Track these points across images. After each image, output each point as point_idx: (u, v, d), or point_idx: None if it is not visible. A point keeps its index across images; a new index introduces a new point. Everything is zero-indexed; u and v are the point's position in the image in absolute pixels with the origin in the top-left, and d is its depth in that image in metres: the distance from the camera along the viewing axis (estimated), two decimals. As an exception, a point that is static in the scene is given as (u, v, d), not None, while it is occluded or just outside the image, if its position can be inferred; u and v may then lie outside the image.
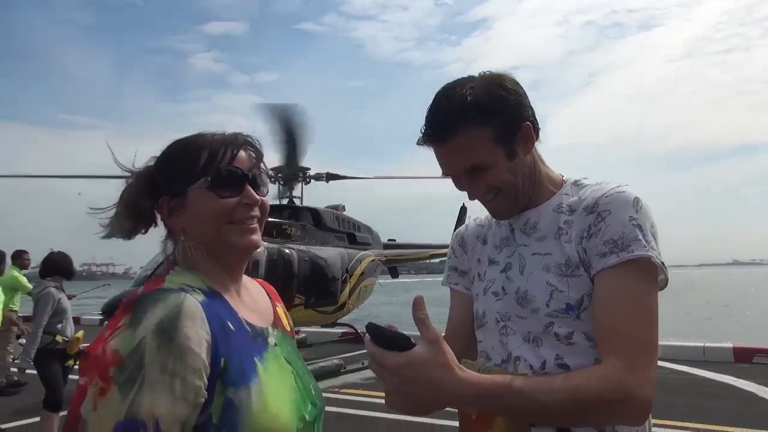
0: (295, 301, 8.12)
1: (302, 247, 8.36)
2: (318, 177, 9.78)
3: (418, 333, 0.88)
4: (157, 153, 0.98)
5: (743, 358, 8.24)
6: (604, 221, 1.02)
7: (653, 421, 1.07)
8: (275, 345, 0.97)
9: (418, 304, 0.87)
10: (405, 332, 0.88)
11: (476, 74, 1.11)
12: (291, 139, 8.09)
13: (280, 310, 1.09)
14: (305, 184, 9.71)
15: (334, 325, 9.54)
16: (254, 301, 1.02)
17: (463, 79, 1.10)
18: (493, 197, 1.11)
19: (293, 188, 9.61)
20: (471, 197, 1.12)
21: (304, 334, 10.02)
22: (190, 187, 0.93)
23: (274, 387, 0.90)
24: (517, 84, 1.11)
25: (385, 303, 26.37)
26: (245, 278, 1.03)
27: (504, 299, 1.13)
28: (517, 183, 1.10)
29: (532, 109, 1.12)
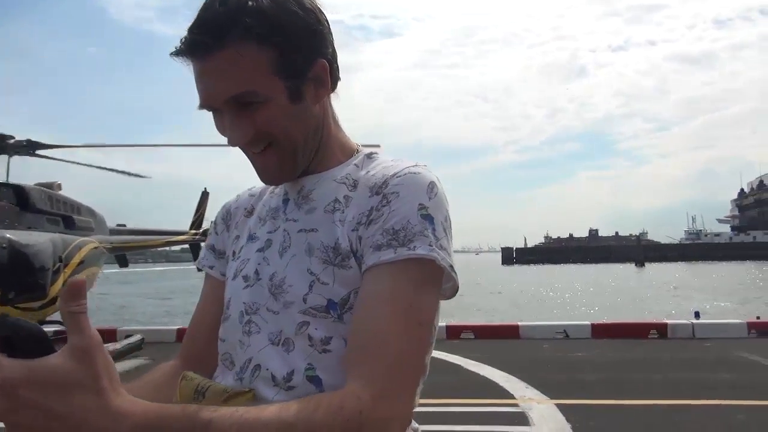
0: (-12, 297, 6.70)
1: (-1, 232, 6.94)
2: (17, 146, 8.12)
3: None
4: None
5: (453, 335, 9.48)
6: (390, 205, 0.83)
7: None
8: None
9: (72, 291, 0.55)
10: None
11: None
12: None
13: None
14: (7, 155, 8.07)
15: (44, 323, 8.17)
16: None
17: None
18: (263, 150, 0.86)
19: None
20: (232, 142, 0.84)
21: None
22: None
23: None
24: (320, 11, 0.87)
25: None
26: None
27: (255, 286, 0.90)
28: (297, 136, 0.86)
29: (334, 50, 0.89)
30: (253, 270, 0.91)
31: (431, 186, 0.85)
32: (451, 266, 0.83)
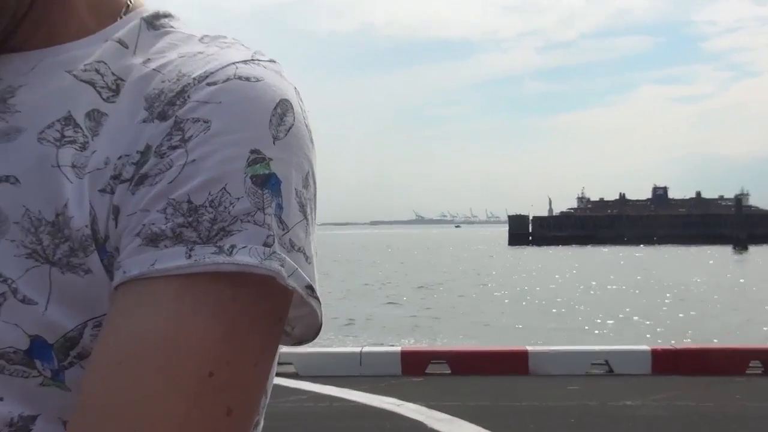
0: None
1: None
2: None
3: None
4: None
5: (414, 368, 9.49)
6: (188, 147, 0.73)
7: None
8: None
9: None
10: None
11: None
12: None
13: None
14: None
15: None
16: None
17: None
18: None
19: None
20: None
21: None
22: None
23: None
24: None
25: None
26: None
27: None
28: None
29: None
30: None
31: (282, 109, 0.76)
32: (310, 287, 0.74)
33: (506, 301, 28.27)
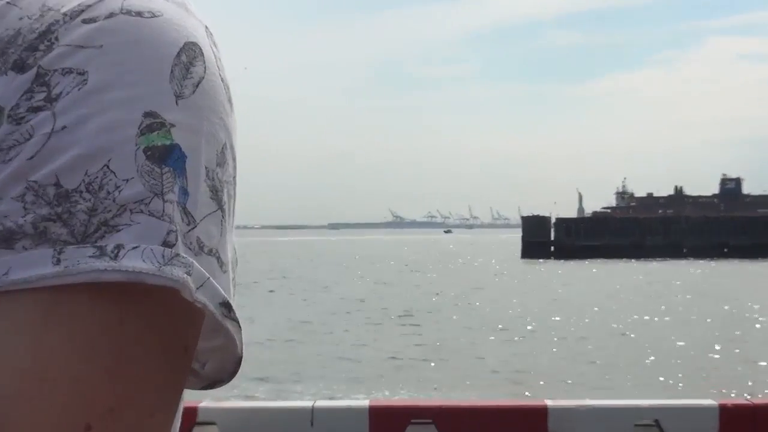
0: None
1: None
2: None
3: None
4: None
5: (388, 429, 9.49)
6: (54, 108, 0.74)
7: None
8: None
9: None
10: None
11: None
12: None
13: None
14: None
15: None
16: None
17: None
18: None
19: None
20: None
21: None
22: None
23: None
24: None
25: None
26: None
27: None
28: None
29: None
30: None
31: (188, 56, 0.78)
32: (226, 303, 0.77)
33: (516, 338, 28.42)
